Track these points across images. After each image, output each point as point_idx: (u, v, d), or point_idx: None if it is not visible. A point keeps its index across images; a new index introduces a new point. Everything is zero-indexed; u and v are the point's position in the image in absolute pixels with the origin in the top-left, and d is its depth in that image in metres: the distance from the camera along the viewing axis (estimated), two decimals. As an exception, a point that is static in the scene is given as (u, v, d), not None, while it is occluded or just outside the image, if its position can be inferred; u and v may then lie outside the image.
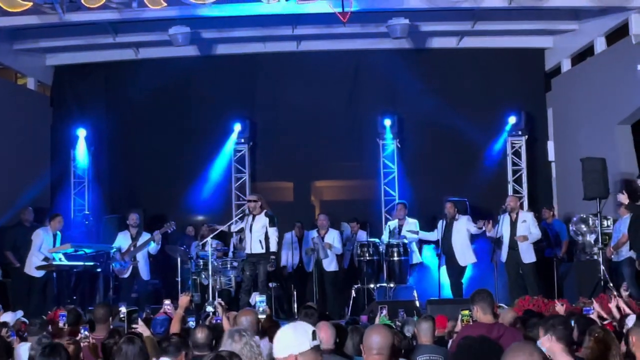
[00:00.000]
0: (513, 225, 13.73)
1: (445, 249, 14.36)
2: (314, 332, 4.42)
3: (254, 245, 13.36)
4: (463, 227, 14.31)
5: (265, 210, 13.43)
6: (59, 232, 14.69)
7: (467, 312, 7.42)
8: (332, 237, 15.14)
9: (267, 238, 13.38)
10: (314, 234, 15.20)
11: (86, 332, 7.80)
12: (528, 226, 13.70)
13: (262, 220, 13.40)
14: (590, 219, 14.61)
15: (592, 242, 14.55)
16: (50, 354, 5.43)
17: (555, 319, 5.87)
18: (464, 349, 6.06)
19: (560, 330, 5.58)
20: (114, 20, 15.88)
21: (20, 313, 9.62)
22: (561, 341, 5.53)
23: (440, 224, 14.48)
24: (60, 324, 8.59)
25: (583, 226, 14.71)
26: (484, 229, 14.04)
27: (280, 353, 4.41)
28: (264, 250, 13.35)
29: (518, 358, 3.88)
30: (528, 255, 13.61)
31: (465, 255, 14.33)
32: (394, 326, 8.62)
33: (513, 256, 13.65)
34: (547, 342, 5.54)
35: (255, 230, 13.38)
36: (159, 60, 18.39)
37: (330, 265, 15.00)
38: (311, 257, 14.97)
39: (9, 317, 9.54)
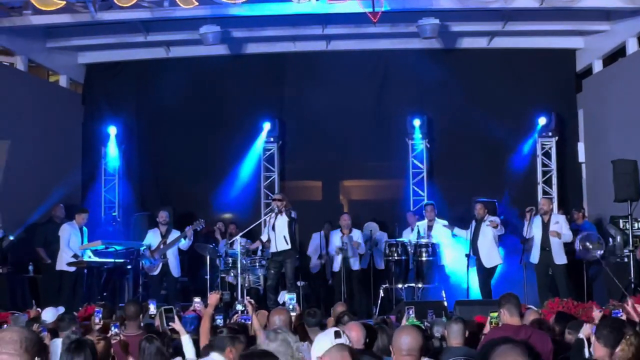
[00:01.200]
0: (545, 227, 13.68)
1: (473, 250, 14.33)
2: (337, 332, 4.51)
3: (278, 243, 13.42)
4: (489, 229, 14.26)
5: (288, 209, 13.44)
6: (85, 227, 14.81)
7: (495, 314, 7.41)
8: (357, 237, 15.17)
9: (291, 234, 13.43)
10: (337, 233, 15.22)
11: (117, 329, 7.88)
12: (560, 228, 13.64)
13: (284, 218, 13.45)
14: (620, 221, 14.51)
15: (623, 244, 14.45)
16: (75, 349, 5.45)
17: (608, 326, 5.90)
18: (487, 351, 6.00)
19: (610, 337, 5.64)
20: (146, 19, 15.98)
21: (61, 309, 9.69)
22: (609, 347, 5.59)
23: (470, 225, 14.44)
24: (96, 320, 8.65)
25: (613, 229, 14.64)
26: (501, 229, 14.09)
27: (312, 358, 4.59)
28: (289, 246, 13.40)
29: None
30: (560, 257, 13.56)
31: (490, 256, 14.26)
32: (422, 327, 8.60)
33: (544, 257, 13.60)
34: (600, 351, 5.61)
35: (279, 228, 13.42)
36: (190, 59, 18.50)
37: (355, 264, 15.03)
38: (338, 256, 14.99)
39: (50, 313, 9.62)
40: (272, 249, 13.63)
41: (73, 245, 14.44)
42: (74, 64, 19.01)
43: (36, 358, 3.38)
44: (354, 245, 14.85)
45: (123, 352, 7.22)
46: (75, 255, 14.27)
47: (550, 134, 17.40)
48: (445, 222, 15.18)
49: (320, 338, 4.60)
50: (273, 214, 13.70)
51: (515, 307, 7.10)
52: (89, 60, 19.15)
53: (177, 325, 7.59)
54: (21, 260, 15.42)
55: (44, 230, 15.44)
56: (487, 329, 7.60)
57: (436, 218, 15.29)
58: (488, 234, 14.21)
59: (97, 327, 8.43)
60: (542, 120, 17.24)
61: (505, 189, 15.49)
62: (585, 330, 6.86)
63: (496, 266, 14.30)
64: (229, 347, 6.14)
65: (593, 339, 5.83)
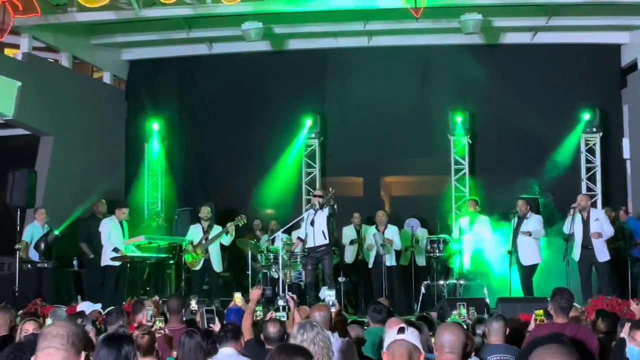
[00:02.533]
0: (585, 223, 13.52)
1: (514, 247, 14.20)
2: (401, 328, 4.53)
3: (317, 237, 13.38)
4: (530, 226, 14.12)
5: (331, 205, 13.42)
6: (125, 222, 14.95)
7: (540, 311, 7.37)
8: (392, 233, 15.15)
9: (329, 229, 13.43)
10: (373, 230, 15.21)
11: (161, 324, 7.96)
12: (601, 224, 13.49)
13: (324, 213, 13.45)
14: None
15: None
16: (107, 343, 5.43)
17: None
18: (533, 348, 5.96)
19: None
20: (188, 16, 16.08)
21: (98, 305, 9.80)
22: None
23: (512, 221, 14.32)
24: (147, 318, 8.71)
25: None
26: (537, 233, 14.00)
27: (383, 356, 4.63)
28: (327, 241, 13.38)
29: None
30: (602, 254, 13.41)
31: (528, 254, 14.10)
32: (463, 324, 8.57)
33: (587, 255, 13.45)
34: None
35: (318, 223, 13.41)
36: (232, 55, 18.59)
37: (389, 260, 15.01)
38: (372, 252, 15.01)
39: (86, 306, 9.73)
40: (310, 244, 13.56)
41: (114, 240, 14.56)
42: (117, 61, 19.22)
43: (82, 352, 3.42)
44: (386, 242, 14.83)
45: (167, 346, 7.29)
46: (115, 249, 14.41)
47: (594, 129, 17.22)
48: (487, 218, 15.08)
49: (388, 333, 4.66)
50: (312, 210, 13.70)
51: (560, 306, 7.05)
52: (132, 56, 19.34)
53: (217, 326, 7.65)
54: (66, 255, 15.62)
55: (87, 225, 15.60)
56: (532, 326, 7.55)
57: (478, 214, 15.19)
58: (534, 230, 14.05)
59: (147, 322, 8.49)
60: (586, 116, 17.07)
61: (537, 196, 15.34)
62: (627, 330, 6.81)
63: (535, 264, 14.15)
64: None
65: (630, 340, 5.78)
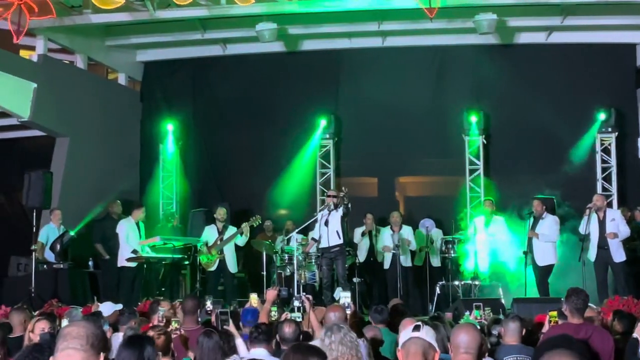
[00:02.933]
0: (601, 223, 13.46)
1: (529, 248, 14.15)
2: (417, 326, 4.52)
3: (331, 238, 13.36)
4: (546, 227, 14.07)
5: (344, 205, 13.39)
6: (141, 222, 15.00)
7: (554, 313, 7.36)
8: (407, 233, 15.14)
9: (343, 229, 13.43)
10: (387, 230, 15.19)
11: (177, 324, 7.98)
12: (617, 224, 13.43)
13: (339, 213, 13.44)
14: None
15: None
16: (129, 345, 5.45)
17: None
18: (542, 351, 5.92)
19: None
20: (203, 17, 16.11)
21: (119, 306, 9.83)
22: None
23: (528, 222, 14.27)
24: (159, 318, 8.73)
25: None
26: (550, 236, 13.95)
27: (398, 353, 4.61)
28: (341, 241, 13.37)
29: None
30: (618, 254, 13.35)
31: (544, 255, 14.04)
32: (479, 325, 8.55)
33: (603, 255, 13.39)
34: None
35: (332, 223, 13.41)
36: (246, 56, 18.62)
37: (405, 261, 15.00)
38: (389, 254, 14.99)
39: (107, 307, 9.76)
40: (324, 244, 13.51)
41: (131, 241, 14.63)
42: (132, 62, 19.28)
43: (102, 353, 3.43)
44: (403, 243, 14.82)
45: (183, 347, 7.31)
46: (134, 251, 14.47)
47: (609, 129, 17.13)
48: (503, 219, 15.04)
49: (403, 332, 4.63)
50: (326, 210, 13.68)
51: (576, 306, 7.03)
52: (147, 58, 19.40)
53: (231, 327, 7.66)
54: (81, 256, 15.69)
55: (102, 226, 15.68)
56: (546, 328, 7.53)
57: (493, 214, 15.15)
58: (545, 232, 14.02)
59: (159, 322, 8.51)
60: (601, 116, 16.98)
61: (553, 196, 15.31)
62: None
63: (551, 265, 14.09)
64: None
65: None
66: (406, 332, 4.56)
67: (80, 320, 3.57)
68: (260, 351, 6.48)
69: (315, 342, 6.46)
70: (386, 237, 15.21)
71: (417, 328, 4.51)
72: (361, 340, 6.34)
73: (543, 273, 13.98)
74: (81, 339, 3.38)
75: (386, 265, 15.22)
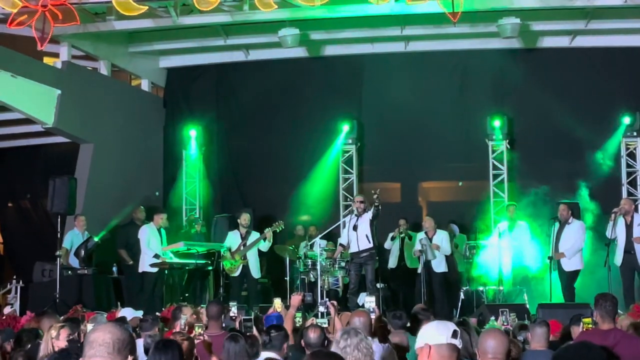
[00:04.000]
0: (628, 228, 13.38)
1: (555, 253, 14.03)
2: (455, 332, 4.39)
3: (360, 242, 13.37)
4: (572, 232, 13.94)
5: (374, 207, 13.34)
6: (163, 229, 15.04)
7: (588, 319, 7.32)
8: (441, 238, 15.05)
9: (372, 233, 13.40)
10: (422, 235, 15.12)
11: (200, 330, 7.98)
12: None
13: (367, 218, 13.42)
14: None
15: None
16: (163, 349, 5.49)
17: None
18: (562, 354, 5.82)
19: None
20: (226, 23, 16.15)
21: (140, 312, 9.86)
22: None
23: (553, 227, 14.16)
24: (182, 324, 8.74)
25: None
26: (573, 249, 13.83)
27: (418, 344, 4.45)
28: (371, 245, 13.36)
29: None
30: None
31: (571, 260, 13.93)
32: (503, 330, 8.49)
33: (629, 260, 13.31)
34: None
35: (361, 228, 13.39)
36: (269, 61, 18.64)
37: (439, 266, 14.89)
38: (420, 258, 14.90)
39: (127, 313, 9.79)
40: (353, 249, 13.53)
41: (153, 247, 14.67)
42: (155, 68, 19.35)
43: (129, 357, 3.43)
44: (433, 248, 14.74)
45: (207, 352, 7.30)
46: (156, 256, 14.51)
47: (635, 133, 16.98)
48: (526, 224, 14.95)
49: (436, 328, 4.45)
50: (353, 215, 13.66)
51: (606, 310, 6.97)
52: (170, 64, 19.47)
53: (254, 334, 7.65)
54: (105, 262, 15.75)
55: (126, 232, 15.74)
56: (577, 333, 7.48)
57: (517, 220, 15.07)
58: (571, 238, 13.91)
59: (181, 329, 8.52)
60: (626, 120, 16.84)
61: (577, 201, 15.24)
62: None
63: (577, 270, 13.98)
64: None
65: None
66: (439, 331, 4.41)
67: (107, 324, 3.53)
68: (270, 355, 6.45)
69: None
70: (418, 242, 15.09)
71: (455, 335, 4.41)
72: (374, 344, 6.32)
73: (569, 278, 13.87)
74: (107, 346, 3.38)
75: (420, 270, 15.09)
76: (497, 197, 17.23)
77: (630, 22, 16.61)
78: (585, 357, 4.82)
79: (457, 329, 4.42)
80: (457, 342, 4.39)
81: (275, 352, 6.51)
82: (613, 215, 13.50)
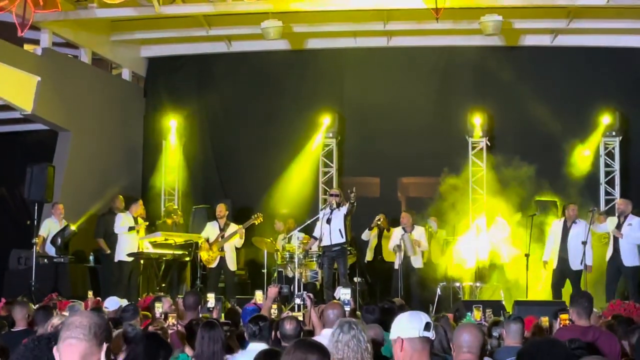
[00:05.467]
0: (619, 227, 13.50)
1: (563, 252, 13.97)
2: (428, 324, 4.40)
3: (333, 236, 13.30)
4: (580, 231, 13.82)
5: (350, 203, 13.32)
6: (140, 218, 15.01)
7: (565, 315, 7.37)
8: (420, 234, 15.08)
9: (346, 227, 13.39)
10: (400, 231, 15.14)
11: (174, 320, 7.95)
12: (634, 229, 13.42)
13: (342, 212, 13.40)
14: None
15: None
16: (209, 326, 5.52)
17: None
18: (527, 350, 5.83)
19: None
20: (208, 14, 16.09)
21: (124, 302, 9.82)
22: None
23: (559, 224, 14.17)
24: (157, 315, 8.71)
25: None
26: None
27: (391, 335, 4.48)
28: (344, 240, 13.33)
29: None
30: (630, 259, 13.37)
31: (579, 259, 13.81)
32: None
33: (615, 258, 13.42)
34: None
35: (335, 222, 13.36)
36: (251, 53, 18.61)
37: (416, 261, 14.93)
38: (397, 253, 14.93)
39: (112, 302, 9.74)
40: (325, 243, 13.45)
41: (129, 237, 14.63)
42: (136, 57, 19.26)
43: (105, 343, 3.41)
44: (414, 244, 14.77)
45: (180, 342, 7.28)
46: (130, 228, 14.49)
47: (613, 133, 17.07)
48: (505, 221, 15.00)
49: (409, 321, 4.46)
50: (328, 209, 13.63)
51: (584, 309, 7.03)
52: (151, 53, 19.40)
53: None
54: (82, 251, 15.69)
55: (104, 221, 15.68)
56: (556, 329, 7.51)
57: (495, 216, 15.12)
58: (580, 235, 13.81)
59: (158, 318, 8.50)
60: (605, 120, 16.92)
61: (555, 200, 15.34)
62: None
63: (580, 270, 13.86)
64: None
65: None
66: (412, 324, 4.42)
67: (84, 310, 3.55)
68: (260, 345, 6.42)
69: (321, 336, 6.44)
70: (396, 237, 15.09)
71: (427, 327, 4.41)
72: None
73: (576, 278, 13.79)
74: (84, 328, 3.36)
75: (396, 266, 15.12)
76: (476, 194, 17.25)
77: (612, 22, 16.72)
78: (549, 352, 4.86)
79: (430, 321, 4.43)
80: (430, 335, 4.40)
81: (265, 342, 6.48)
82: (590, 214, 13.61)
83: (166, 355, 4.75)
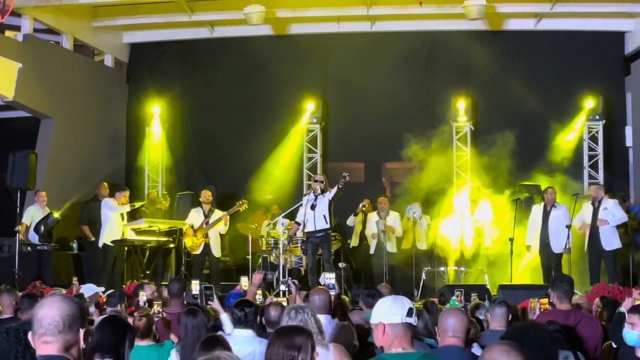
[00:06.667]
0: (595, 213, 13.55)
1: (543, 236, 14.05)
2: (411, 310, 4.39)
3: (317, 222, 13.25)
4: (560, 214, 13.89)
5: (339, 189, 13.29)
6: (125, 204, 14.94)
7: (545, 300, 7.38)
8: (393, 220, 15.10)
9: (330, 213, 13.37)
10: (375, 217, 15.16)
11: (159, 307, 7.92)
12: (610, 212, 13.47)
13: (327, 197, 13.36)
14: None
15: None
16: (192, 313, 5.49)
17: None
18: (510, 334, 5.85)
19: None
20: (190, -1, 16.03)
21: (101, 288, 9.80)
22: None
23: (539, 208, 14.21)
24: (141, 303, 8.68)
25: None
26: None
27: (373, 319, 4.46)
28: (328, 225, 13.31)
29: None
30: (609, 242, 13.45)
31: (558, 242, 13.91)
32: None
33: (594, 244, 13.48)
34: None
35: (319, 208, 13.32)
36: (234, 39, 18.54)
37: (392, 247, 14.97)
38: (374, 240, 14.96)
39: (88, 289, 9.72)
40: (310, 228, 13.37)
41: (114, 222, 14.56)
42: (119, 44, 19.16)
43: (81, 330, 3.36)
44: (389, 230, 14.80)
45: (165, 329, 7.25)
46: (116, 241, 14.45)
47: (597, 117, 17.12)
48: (489, 205, 15.03)
49: (391, 306, 4.44)
50: (312, 195, 13.58)
51: (564, 292, 7.06)
52: (133, 39, 19.29)
53: (215, 304, 7.58)
54: (66, 238, 15.62)
55: (88, 208, 15.60)
56: (536, 314, 7.52)
57: (480, 200, 15.14)
58: (560, 219, 13.90)
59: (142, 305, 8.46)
60: (589, 104, 16.97)
61: (539, 184, 15.40)
62: (627, 304, 6.83)
63: (562, 254, 13.93)
64: None
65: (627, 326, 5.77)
66: (394, 309, 4.40)
67: (53, 298, 3.44)
68: (245, 332, 6.40)
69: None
70: (372, 223, 15.16)
71: (410, 313, 4.39)
72: (328, 320, 6.31)
73: (558, 261, 13.89)
74: (57, 324, 3.30)
75: (371, 251, 15.19)
76: (460, 178, 17.27)
77: (595, 5, 16.76)
78: (532, 337, 4.86)
79: (413, 306, 4.41)
80: (412, 320, 4.38)
81: (250, 329, 6.45)
82: (575, 199, 13.68)
83: (132, 338, 4.71)
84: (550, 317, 6.70)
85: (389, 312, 4.37)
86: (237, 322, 6.52)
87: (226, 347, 5.12)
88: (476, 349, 5.84)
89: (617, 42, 17.99)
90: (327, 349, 5.13)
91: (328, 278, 8.41)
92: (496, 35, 18.01)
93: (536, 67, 17.84)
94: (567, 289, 7.13)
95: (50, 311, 3.32)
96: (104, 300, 9.12)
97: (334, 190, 13.24)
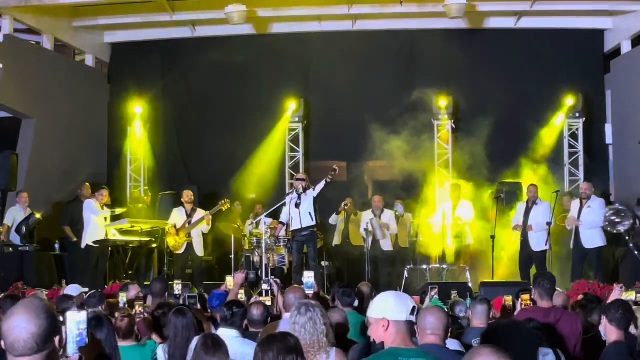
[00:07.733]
0: (580, 210, 13.65)
1: (524, 234, 14.11)
2: (414, 308, 4.44)
3: (303, 220, 13.29)
4: (540, 212, 13.95)
5: (327, 183, 13.35)
6: (106, 205, 14.91)
7: (527, 296, 7.42)
8: (389, 217, 15.14)
9: (316, 210, 13.40)
10: (369, 215, 15.17)
11: (141, 307, 7.92)
12: (594, 210, 13.55)
13: (310, 195, 13.40)
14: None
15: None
16: (96, 325, 5.42)
17: (612, 304, 5.92)
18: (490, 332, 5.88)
19: (613, 314, 5.70)
20: (171, -2, 16.01)
21: (86, 289, 9.78)
22: (613, 324, 5.68)
23: (521, 206, 14.29)
24: (121, 304, 8.69)
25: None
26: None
27: (374, 314, 4.46)
28: (314, 222, 13.34)
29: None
30: (592, 240, 13.53)
31: (538, 241, 13.93)
32: (444, 307, 8.57)
33: (577, 240, 13.59)
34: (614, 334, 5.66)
35: (304, 206, 13.35)
36: (215, 38, 18.50)
37: (386, 244, 15.00)
38: (366, 238, 14.97)
39: (73, 290, 9.70)
40: (295, 227, 13.43)
41: (95, 223, 14.53)
42: (100, 43, 19.10)
43: (56, 337, 3.32)
44: (382, 227, 14.82)
45: (148, 330, 7.25)
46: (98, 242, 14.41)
47: (577, 115, 17.24)
48: (470, 203, 15.08)
49: (396, 304, 4.45)
50: (294, 194, 13.60)
51: (545, 290, 7.11)
52: (115, 39, 19.22)
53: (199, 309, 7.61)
54: (48, 239, 15.57)
55: (71, 209, 15.58)
56: (518, 310, 7.58)
57: (461, 199, 15.20)
58: (539, 217, 13.95)
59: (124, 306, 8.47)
60: (569, 101, 17.08)
61: (520, 182, 15.53)
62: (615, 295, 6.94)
63: (544, 251, 14.00)
64: None
65: (605, 322, 5.81)
66: (399, 306, 4.42)
67: (19, 316, 3.27)
68: (231, 332, 6.39)
69: (283, 321, 6.46)
70: (365, 221, 15.10)
71: (413, 311, 4.43)
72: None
73: (538, 258, 13.96)
74: (32, 347, 3.14)
75: (365, 249, 15.14)
76: (442, 176, 17.35)
77: (575, 4, 16.88)
78: (513, 335, 4.91)
79: (415, 305, 4.47)
80: (414, 319, 4.46)
81: (236, 329, 6.45)
82: (556, 196, 13.77)
83: (109, 333, 4.71)
84: (530, 314, 6.75)
85: (394, 309, 4.42)
86: (223, 320, 6.53)
87: (225, 350, 5.14)
88: (451, 344, 5.82)
89: (597, 40, 18.11)
90: (328, 355, 5.12)
91: (307, 277, 8.44)
92: (476, 34, 18.08)
93: (516, 65, 17.92)
94: (548, 286, 7.18)
95: (21, 335, 3.20)
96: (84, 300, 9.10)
97: (321, 184, 13.30)
